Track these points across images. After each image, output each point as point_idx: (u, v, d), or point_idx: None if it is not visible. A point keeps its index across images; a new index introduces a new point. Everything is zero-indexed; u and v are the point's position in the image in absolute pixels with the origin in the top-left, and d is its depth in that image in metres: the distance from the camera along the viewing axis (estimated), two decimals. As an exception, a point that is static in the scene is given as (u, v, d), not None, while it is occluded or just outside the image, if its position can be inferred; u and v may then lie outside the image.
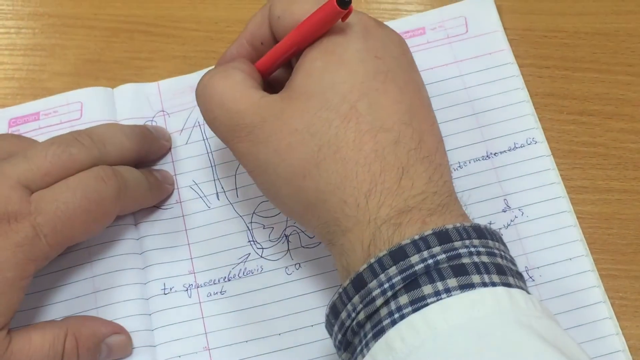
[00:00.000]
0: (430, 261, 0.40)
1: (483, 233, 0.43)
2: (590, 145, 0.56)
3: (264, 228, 0.55)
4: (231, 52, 0.52)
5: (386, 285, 0.41)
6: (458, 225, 0.42)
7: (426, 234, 0.41)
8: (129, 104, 0.59)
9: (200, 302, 0.53)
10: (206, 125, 0.55)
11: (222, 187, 0.57)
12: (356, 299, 0.42)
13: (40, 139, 0.54)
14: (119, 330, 0.52)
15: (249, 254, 0.54)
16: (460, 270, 0.40)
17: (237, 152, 0.48)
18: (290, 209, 0.48)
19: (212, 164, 0.57)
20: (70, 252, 0.54)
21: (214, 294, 0.53)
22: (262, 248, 0.55)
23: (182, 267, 0.54)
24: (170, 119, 0.59)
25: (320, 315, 0.51)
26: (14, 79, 0.63)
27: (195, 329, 0.52)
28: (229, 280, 0.54)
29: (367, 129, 0.44)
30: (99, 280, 0.54)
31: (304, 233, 0.55)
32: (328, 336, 0.46)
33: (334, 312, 0.43)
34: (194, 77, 0.59)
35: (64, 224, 0.48)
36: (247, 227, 0.55)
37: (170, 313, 0.53)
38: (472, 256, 0.41)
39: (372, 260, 0.41)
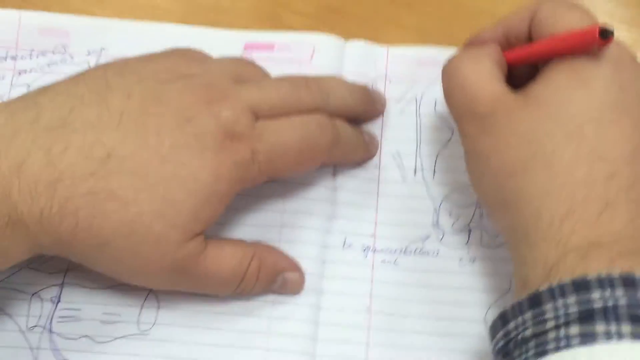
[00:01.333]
0: (610, 303, 0.41)
1: (670, 292, 0.42)
2: None
3: (450, 216, 0.56)
4: (484, 36, 0.52)
5: (561, 312, 0.41)
6: (647, 276, 0.42)
7: (613, 275, 0.41)
8: (357, 60, 0.61)
9: (373, 266, 0.55)
10: (422, 104, 0.57)
11: (422, 165, 0.58)
12: (528, 314, 0.43)
13: (270, 69, 0.56)
14: (297, 268, 0.54)
15: (430, 236, 0.56)
16: (637, 319, 0.40)
17: (461, 131, 0.50)
18: (487, 199, 0.50)
19: (419, 140, 0.59)
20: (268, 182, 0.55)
21: (387, 262, 0.55)
22: (444, 234, 0.56)
23: (366, 228, 0.56)
24: (391, 85, 0.60)
25: (481, 312, 0.53)
26: (254, 6, 0.64)
27: (363, 288, 0.54)
28: (405, 253, 0.56)
29: (586, 154, 0.45)
30: (287, 216, 0.56)
31: (487, 233, 0.56)
32: (482, 334, 0.46)
33: (502, 319, 0.44)
34: (424, 51, 0.61)
35: (278, 157, 0.50)
36: (435, 209, 0.57)
37: (344, 267, 0.55)
38: (651, 310, 0.41)
39: (554, 285, 0.42)
